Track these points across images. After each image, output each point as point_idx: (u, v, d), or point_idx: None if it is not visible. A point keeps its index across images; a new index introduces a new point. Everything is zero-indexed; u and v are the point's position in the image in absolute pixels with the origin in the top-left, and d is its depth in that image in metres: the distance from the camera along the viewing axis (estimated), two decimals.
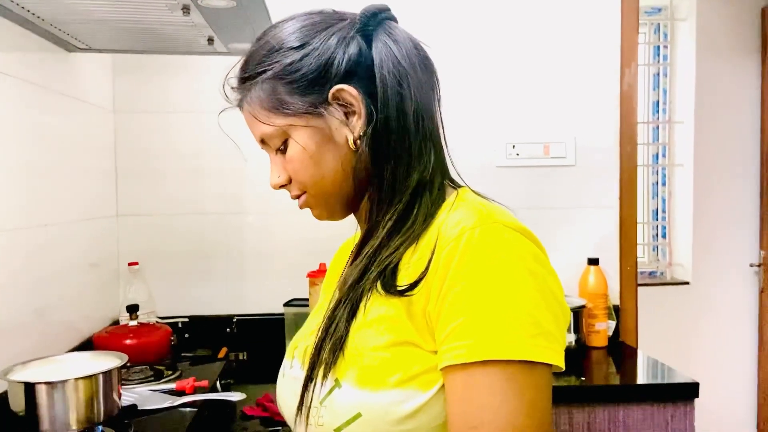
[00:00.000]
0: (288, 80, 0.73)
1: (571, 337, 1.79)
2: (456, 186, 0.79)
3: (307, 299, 1.79)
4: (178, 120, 1.93)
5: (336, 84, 0.73)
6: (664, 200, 3.14)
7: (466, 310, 0.63)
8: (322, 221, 0.82)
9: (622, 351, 1.91)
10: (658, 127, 3.12)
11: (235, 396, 1.36)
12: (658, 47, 3.08)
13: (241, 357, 1.84)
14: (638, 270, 2.07)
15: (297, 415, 0.72)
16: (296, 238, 1.93)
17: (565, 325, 0.68)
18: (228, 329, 1.92)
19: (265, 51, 0.75)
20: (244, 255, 1.96)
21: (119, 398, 1.19)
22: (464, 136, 1.96)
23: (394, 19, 0.78)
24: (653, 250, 3.17)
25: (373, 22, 0.76)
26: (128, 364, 1.32)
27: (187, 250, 1.94)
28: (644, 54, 3.07)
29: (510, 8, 1.98)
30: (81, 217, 1.68)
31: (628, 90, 2.01)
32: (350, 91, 0.73)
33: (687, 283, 3.01)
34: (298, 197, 0.80)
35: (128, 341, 1.60)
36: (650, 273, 3.14)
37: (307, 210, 0.82)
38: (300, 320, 1.76)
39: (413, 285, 0.67)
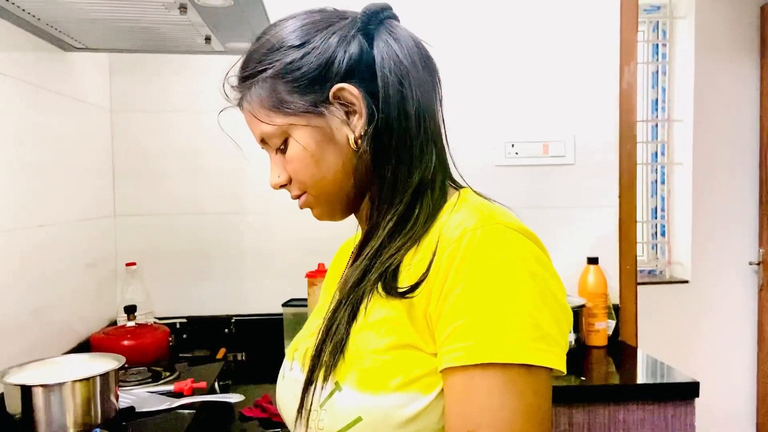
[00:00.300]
0: (288, 79, 0.73)
1: (571, 337, 1.78)
2: (458, 186, 0.78)
3: (305, 299, 1.78)
4: (175, 119, 1.92)
5: (337, 83, 0.72)
6: (663, 199, 3.13)
7: (466, 312, 0.63)
8: (323, 221, 0.82)
9: (621, 350, 1.90)
10: (657, 126, 3.12)
11: (233, 397, 1.36)
12: (657, 45, 3.08)
13: (239, 357, 1.83)
14: (637, 269, 2.07)
15: (297, 418, 0.72)
16: (296, 238, 1.93)
17: (568, 328, 0.67)
18: (226, 330, 1.91)
19: (265, 49, 0.74)
20: (242, 255, 1.96)
21: (117, 400, 1.19)
22: (463, 136, 1.95)
23: (395, 17, 0.78)
24: (652, 248, 3.16)
25: (375, 20, 0.75)
26: (126, 366, 1.31)
27: (184, 250, 1.93)
28: (643, 52, 3.07)
29: (509, 7, 1.98)
30: (78, 217, 1.67)
31: (628, 88, 2.00)
32: (351, 90, 0.72)
33: (686, 281, 3.01)
34: (298, 197, 0.79)
35: (126, 342, 1.59)
36: (649, 272, 3.13)
37: (307, 210, 0.81)
38: (299, 320, 1.77)
39: (414, 287, 0.67)
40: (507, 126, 1.99)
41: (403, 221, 0.72)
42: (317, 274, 1.74)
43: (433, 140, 0.75)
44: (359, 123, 0.73)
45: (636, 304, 2.03)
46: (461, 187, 0.78)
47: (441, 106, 0.77)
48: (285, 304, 1.83)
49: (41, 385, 1.08)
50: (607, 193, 2.02)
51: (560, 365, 0.64)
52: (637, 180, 2.04)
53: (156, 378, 1.47)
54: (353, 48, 0.73)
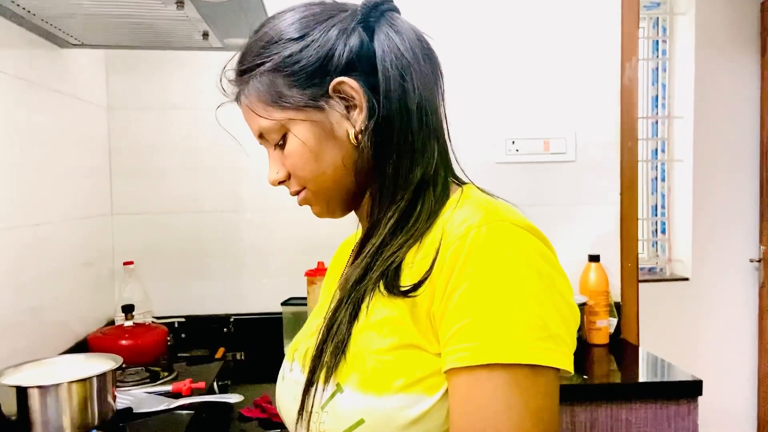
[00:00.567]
0: (287, 73, 0.71)
1: None
2: (460, 182, 0.77)
3: (305, 298, 1.77)
4: (173, 117, 1.90)
5: (337, 77, 0.71)
6: (663, 196, 3.12)
7: (471, 311, 0.61)
8: (322, 219, 0.80)
9: (623, 348, 1.89)
10: (657, 122, 3.10)
11: (232, 398, 1.35)
12: (657, 42, 3.07)
13: (238, 357, 1.82)
14: (638, 266, 2.06)
15: (297, 420, 0.70)
16: (295, 236, 1.91)
17: (575, 327, 0.66)
18: (225, 329, 1.90)
19: (263, 42, 0.73)
20: (241, 253, 1.94)
21: (114, 401, 1.18)
22: (463, 132, 1.94)
23: (396, 10, 0.76)
24: (653, 246, 3.16)
25: (375, 13, 0.73)
26: (123, 366, 1.30)
27: (182, 249, 1.92)
28: (643, 48, 3.06)
29: (510, 2, 1.96)
30: (75, 215, 1.66)
31: (629, 85, 1.99)
32: (351, 84, 0.71)
33: (687, 279, 3.00)
34: (297, 193, 0.77)
35: (124, 342, 1.58)
36: (650, 269, 3.13)
37: (306, 207, 0.79)
38: (298, 319, 1.76)
39: (417, 285, 0.65)
40: (507, 123, 1.98)
41: (404, 218, 0.70)
42: (317, 273, 1.73)
43: (435, 135, 0.74)
44: (360, 117, 0.71)
45: (637, 301, 2.02)
46: (464, 183, 0.77)
47: (443, 100, 0.76)
48: (284, 303, 1.82)
49: (37, 387, 1.07)
50: (608, 190, 2.00)
51: (568, 365, 0.63)
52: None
53: (154, 378, 1.46)
54: (353, 41, 0.71)
